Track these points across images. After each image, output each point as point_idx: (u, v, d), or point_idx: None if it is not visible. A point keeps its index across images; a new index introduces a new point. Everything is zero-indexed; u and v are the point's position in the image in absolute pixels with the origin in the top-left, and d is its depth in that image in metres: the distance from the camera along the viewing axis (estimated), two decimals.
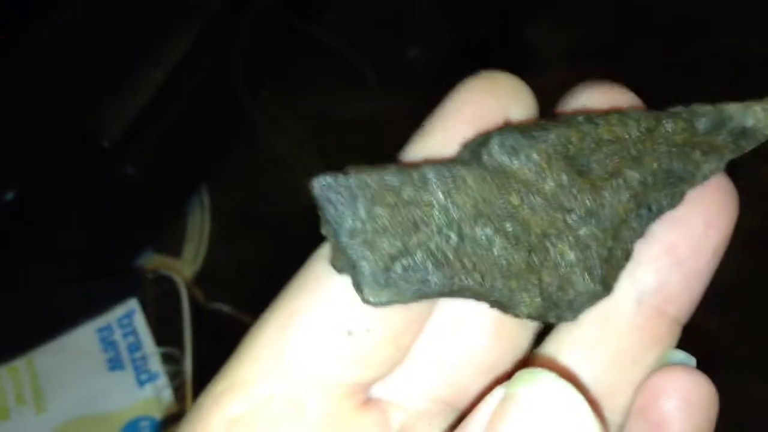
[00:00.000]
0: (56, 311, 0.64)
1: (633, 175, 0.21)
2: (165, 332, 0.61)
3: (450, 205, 0.20)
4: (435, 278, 0.19)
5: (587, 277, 0.21)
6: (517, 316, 0.20)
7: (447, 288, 0.20)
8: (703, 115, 0.22)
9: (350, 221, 0.19)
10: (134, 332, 0.61)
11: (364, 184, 0.19)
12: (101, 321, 0.62)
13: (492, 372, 0.22)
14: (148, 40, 0.69)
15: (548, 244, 0.20)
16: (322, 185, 0.19)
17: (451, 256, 0.20)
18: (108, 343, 0.61)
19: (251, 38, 0.74)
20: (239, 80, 0.74)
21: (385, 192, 0.19)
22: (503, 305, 0.20)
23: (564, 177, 0.21)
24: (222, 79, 0.75)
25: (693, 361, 0.23)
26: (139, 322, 0.62)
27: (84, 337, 0.61)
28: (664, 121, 0.22)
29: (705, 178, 0.22)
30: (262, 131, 0.77)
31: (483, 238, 0.20)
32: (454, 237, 0.20)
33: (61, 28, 0.69)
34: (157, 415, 0.58)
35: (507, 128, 0.21)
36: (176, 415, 0.57)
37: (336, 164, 0.20)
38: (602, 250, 0.21)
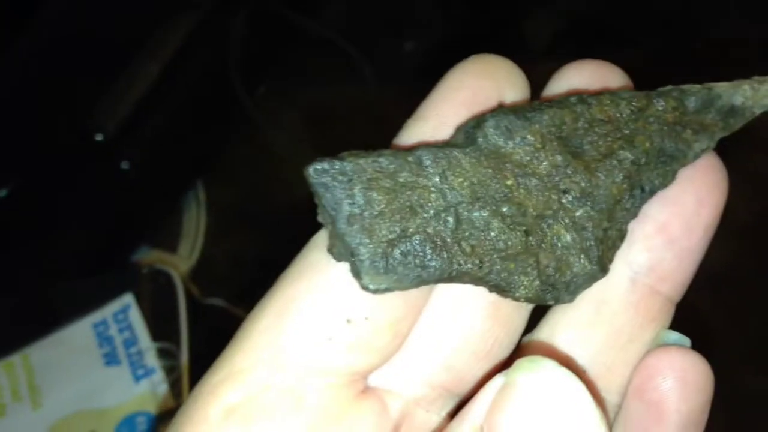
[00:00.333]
0: (52, 306, 0.64)
1: (626, 156, 0.21)
2: (161, 327, 0.61)
3: (446, 189, 0.20)
4: (434, 263, 0.19)
5: (584, 258, 0.21)
6: (515, 299, 0.20)
7: (446, 273, 0.20)
8: (693, 94, 0.22)
9: (347, 207, 0.19)
10: (130, 327, 0.61)
11: (360, 169, 0.19)
12: (97, 316, 0.62)
13: (489, 356, 0.22)
14: (144, 35, 0.69)
15: (544, 226, 0.20)
16: (317, 170, 0.19)
17: (449, 240, 0.20)
18: (104, 338, 0.61)
19: (247, 33, 0.74)
20: (235, 75, 0.74)
21: (381, 176, 0.19)
22: (502, 289, 0.20)
23: (558, 158, 0.21)
24: (218, 74, 0.74)
25: (687, 341, 0.23)
26: (135, 317, 0.62)
27: (80, 333, 0.61)
28: (655, 100, 0.22)
29: (696, 156, 0.22)
30: (258, 126, 0.77)
31: (480, 221, 0.20)
32: (451, 221, 0.20)
33: (56, 23, 0.68)
34: (154, 410, 0.57)
35: (501, 110, 0.21)
36: (173, 410, 0.57)
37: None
38: (598, 231, 0.21)
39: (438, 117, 0.21)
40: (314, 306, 0.20)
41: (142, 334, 0.61)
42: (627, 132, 0.21)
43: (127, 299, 0.63)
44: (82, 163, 0.67)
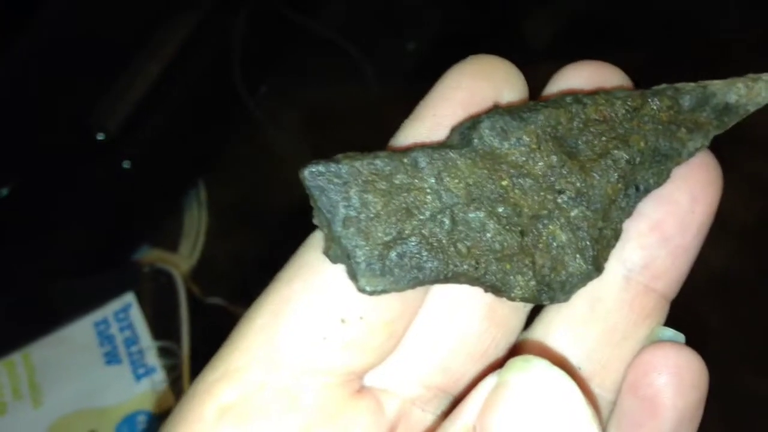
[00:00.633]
0: (53, 305, 0.64)
1: (621, 155, 0.21)
2: (162, 326, 0.61)
3: (442, 190, 0.20)
4: (430, 265, 0.19)
5: (579, 258, 0.21)
6: (511, 299, 0.21)
7: (442, 274, 0.20)
8: (688, 93, 0.22)
9: (343, 209, 0.19)
10: (131, 326, 0.61)
11: (355, 171, 0.19)
12: (98, 315, 0.62)
13: (484, 357, 0.22)
14: (144, 35, 0.69)
15: (540, 226, 0.21)
16: (313, 172, 0.19)
17: (445, 242, 0.20)
18: (105, 337, 0.61)
19: (248, 32, 0.74)
20: (237, 75, 0.74)
21: (377, 178, 0.19)
22: (498, 289, 0.20)
23: (554, 158, 0.21)
24: (218, 73, 0.74)
25: (682, 337, 0.23)
26: (136, 316, 0.62)
27: (81, 331, 0.61)
28: (649, 99, 0.22)
29: (690, 155, 0.22)
30: (258, 126, 0.77)
31: (476, 221, 0.20)
32: (447, 222, 0.20)
33: (56, 23, 0.68)
34: (155, 409, 0.58)
35: (496, 111, 0.21)
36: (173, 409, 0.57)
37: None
38: (593, 230, 0.21)
39: (435, 118, 0.21)
40: (309, 306, 0.20)
41: (143, 333, 0.61)
42: (622, 131, 0.21)
43: (128, 298, 0.63)
44: (83, 162, 0.67)
